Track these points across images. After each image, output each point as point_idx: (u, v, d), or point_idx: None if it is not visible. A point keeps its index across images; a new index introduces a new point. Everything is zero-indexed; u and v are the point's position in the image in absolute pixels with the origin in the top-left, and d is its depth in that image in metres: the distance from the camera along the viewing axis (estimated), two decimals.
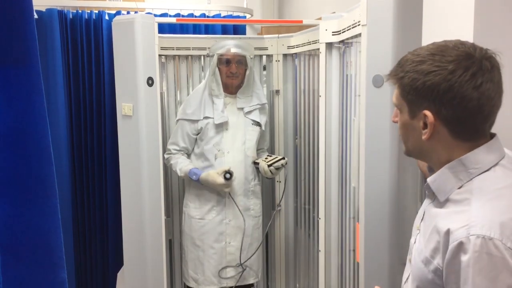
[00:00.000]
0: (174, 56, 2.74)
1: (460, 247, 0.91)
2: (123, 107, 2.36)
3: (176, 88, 2.79)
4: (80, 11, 2.77)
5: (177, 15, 2.94)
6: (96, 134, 2.87)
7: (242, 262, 2.51)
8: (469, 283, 0.89)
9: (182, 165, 2.48)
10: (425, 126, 1.01)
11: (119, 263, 2.67)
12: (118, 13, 2.79)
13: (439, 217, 1.01)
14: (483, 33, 1.45)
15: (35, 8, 2.56)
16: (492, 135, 1.04)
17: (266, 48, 2.79)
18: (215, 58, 2.46)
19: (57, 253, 0.91)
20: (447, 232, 0.95)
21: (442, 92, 0.96)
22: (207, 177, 2.41)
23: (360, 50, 1.80)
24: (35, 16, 2.59)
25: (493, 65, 0.98)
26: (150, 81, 2.32)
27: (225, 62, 2.46)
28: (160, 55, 2.48)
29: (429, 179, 1.06)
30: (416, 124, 1.03)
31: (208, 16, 3.06)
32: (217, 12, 3.11)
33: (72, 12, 2.75)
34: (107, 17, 2.78)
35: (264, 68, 2.88)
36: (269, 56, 2.84)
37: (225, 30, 3.07)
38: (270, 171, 2.46)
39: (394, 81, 1.06)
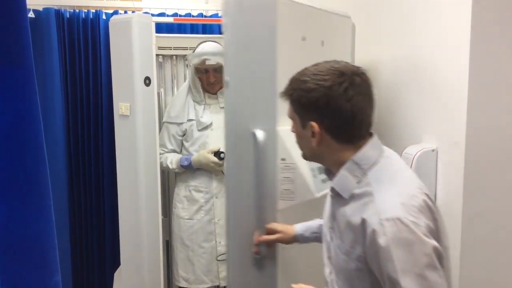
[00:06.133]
0: (171, 56, 2.73)
1: (376, 232, 1.05)
2: (120, 106, 2.36)
3: (173, 87, 2.78)
4: (77, 11, 2.76)
5: (175, 14, 2.93)
6: (93, 134, 2.86)
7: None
8: (392, 259, 1.03)
9: (171, 157, 2.52)
10: (313, 134, 1.18)
11: (116, 263, 2.66)
12: (116, 12, 2.78)
13: (348, 213, 1.16)
14: (482, 34, 1.45)
15: (32, 7, 2.58)
16: (371, 134, 1.22)
17: None
18: (192, 68, 2.45)
19: (50, 256, 0.90)
20: (362, 223, 1.09)
21: (323, 106, 1.14)
22: (198, 157, 2.44)
23: None
24: (32, 15, 2.58)
25: (363, 80, 1.15)
26: (147, 81, 2.32)
27: (203, 71, 2.46)
28: (157, 55, 2.48)
29: (332, 183, 1.22)
30: (306, 133, 1.20)
31: (205, 16, 3.05)
32: (215, 12, 3.10)
33: (69, 11, 2.74)
34: (104, 17, 2.77)
35: None
36: None
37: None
38: None
39: (285, 97, 1.22)
